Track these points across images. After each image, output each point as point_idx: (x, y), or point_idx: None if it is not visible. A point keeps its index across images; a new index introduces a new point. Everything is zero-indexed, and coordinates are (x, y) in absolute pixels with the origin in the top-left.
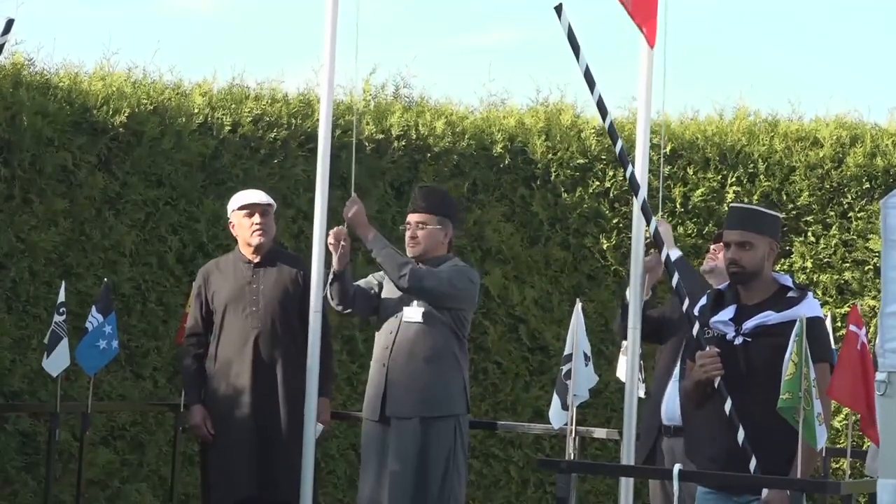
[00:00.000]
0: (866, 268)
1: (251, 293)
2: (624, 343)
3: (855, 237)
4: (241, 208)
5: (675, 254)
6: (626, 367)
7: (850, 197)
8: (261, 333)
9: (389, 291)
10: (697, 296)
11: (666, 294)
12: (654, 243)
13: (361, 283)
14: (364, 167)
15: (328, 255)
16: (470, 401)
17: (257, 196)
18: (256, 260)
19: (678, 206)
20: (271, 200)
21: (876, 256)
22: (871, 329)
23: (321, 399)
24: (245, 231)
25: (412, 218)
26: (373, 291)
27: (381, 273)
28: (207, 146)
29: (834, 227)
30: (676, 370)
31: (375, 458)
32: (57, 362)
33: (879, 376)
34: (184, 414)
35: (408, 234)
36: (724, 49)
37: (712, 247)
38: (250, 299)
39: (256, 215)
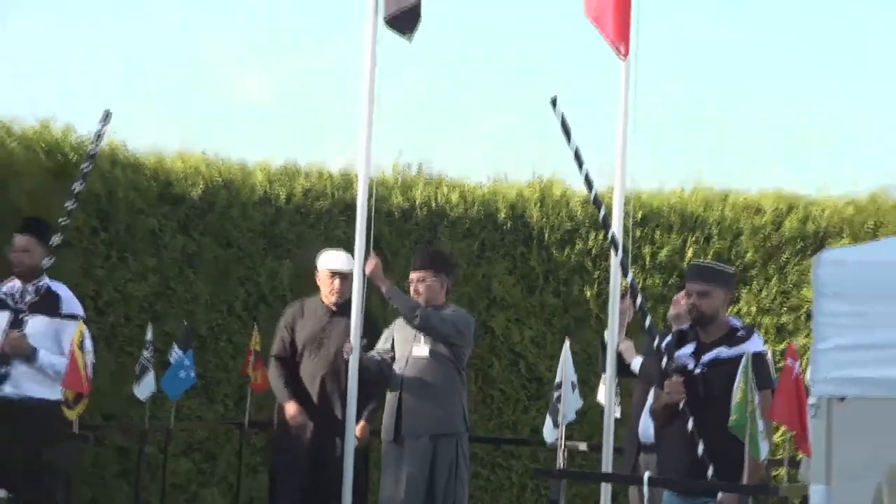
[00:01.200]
0: (800, 312)
1: (325, 337)
2: (603, 374)
3: (790, 287)
4: (328, 269)
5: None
6: (605, 393)
7: (786, 255)
8: (327, 374)
9: (399, 337)
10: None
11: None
12: (630, 293)
13: (379, 352)
14: (394, 230)
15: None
16: (469, 421)
17: (342, 263)
18: (334, 309)
19: (647, 262)
20: (352, 266)
21: (808, 303)
22: (804, 362)
23: (363, 424)
24: (326, 288)
25: (413, 276)
26: (389, 356)
27: (387, 334)
28: (267, 214)
29: (773, 280)
30: (650, 398)
31: (392, 467)
32: (145, 389)
33: (811, 401)
34: (286, 408)
35: (411, 288)
36: (686, 129)
37: (676, 297)
38: (323, 343)
39: (338, 280)
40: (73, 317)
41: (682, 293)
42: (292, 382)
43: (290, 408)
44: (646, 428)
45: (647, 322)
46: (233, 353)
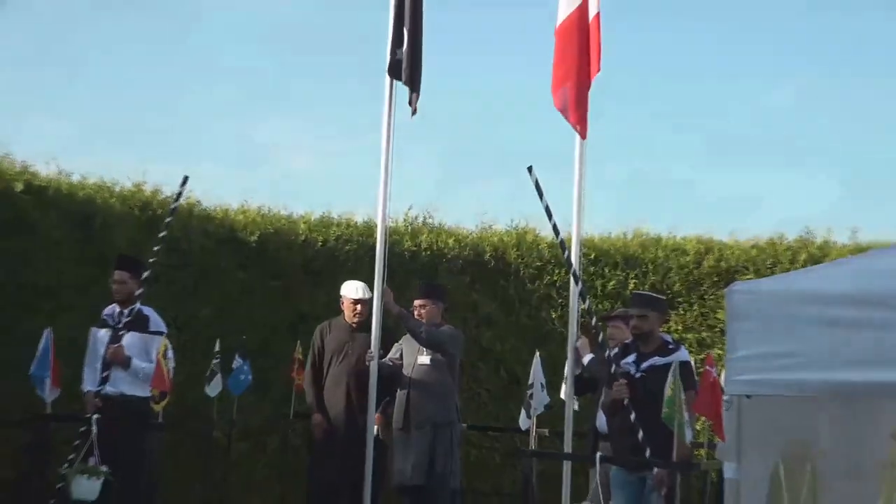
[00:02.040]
0: (716, 330)
1: (347, 349)
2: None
3: (708, 311)
4: (351, 298)
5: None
6: (566, 391)
7: (705, 286)
8: (350, 377)
9: (407, 348)
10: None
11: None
12: (586, 330)
13: (391, 359)
14: (404, 268)
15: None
16: (460, 413)
17: (361, 293)
18: (354, 327)
19: (598, 291)
20: (370, 294)
21: (722, 323)
22: (719, 368)
23: (379, 415)
24: (349, 312)
25: (417, 303)
26: (399, 363)
27: (397, 347)
28: (307, 255)
29: (695, 305)
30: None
31: (402, 449)
32: (214, 389)
33: (725, 398)
34: (314, 415)
35: (416, 312)
36: (629, 188)
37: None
38: (346, 353)
39: (358, 306)
40: (159, 333)
41: (616, 321)
42: (320, 388)
43: (316, 417)
44: (602, 421)
45: (600, 338)
46: (280, 362)
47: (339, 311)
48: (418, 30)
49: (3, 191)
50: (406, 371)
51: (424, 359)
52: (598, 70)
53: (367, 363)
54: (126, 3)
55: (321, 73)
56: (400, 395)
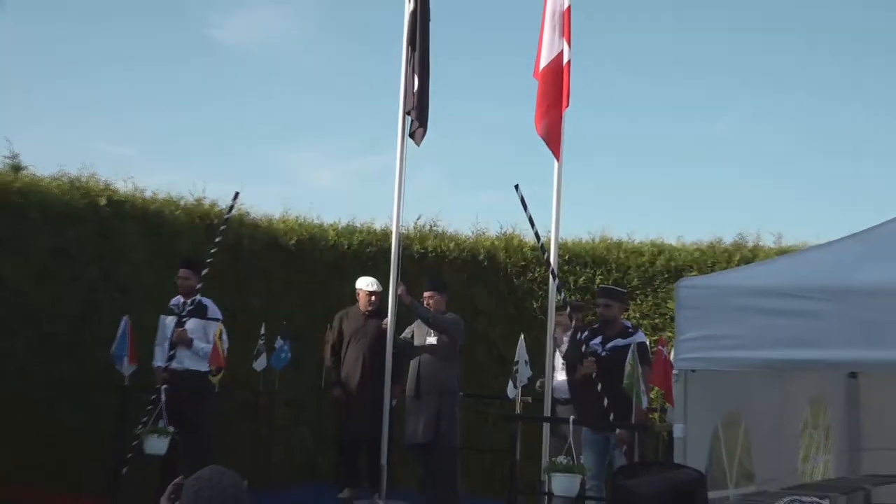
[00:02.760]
0: (667, 317)
1: (362, 332)
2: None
3: (661, 301)
4: (366, 290)
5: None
6: (547, 368)
7: (658, 282)
8: (366, 354)
9: (417, 331)
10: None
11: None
12: (570, 308)
13: (404, 336)
14: (414, 267)
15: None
16: (460, 384)
17: (374, 286)
18: (367, 314)
19: (572, 286)
20: (380, 287)
21: (671, 311)
22: (670, 348)
23: (396, 384)
24: (364, 302)
25: (426, 294)
26: (410, 337)
27: (409, 329)
28: (335, 257)
29: (650, 297)
30: (561, 372)
31: (413, 413)
32: (260, 364)
33: (675, 372)
34: (333, 390)
35: (425, 302)
36: (596, 200)
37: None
38: (362, 335)
39: (372, 297)
40: (215, 319)
41: (565, 312)
42: (339, 367)
43: (335, 391)
44: (559, 388)
45: (573, 324)
46: (313, 343)
47: (356, 302)
48: (426, 75)
49: (89, 204)
50: (417, 352)
51: (432, 339)
52: (568, 105)
53: (383, 327)
54: (179, 51)
55: (348, 109)
56: (411, 369)
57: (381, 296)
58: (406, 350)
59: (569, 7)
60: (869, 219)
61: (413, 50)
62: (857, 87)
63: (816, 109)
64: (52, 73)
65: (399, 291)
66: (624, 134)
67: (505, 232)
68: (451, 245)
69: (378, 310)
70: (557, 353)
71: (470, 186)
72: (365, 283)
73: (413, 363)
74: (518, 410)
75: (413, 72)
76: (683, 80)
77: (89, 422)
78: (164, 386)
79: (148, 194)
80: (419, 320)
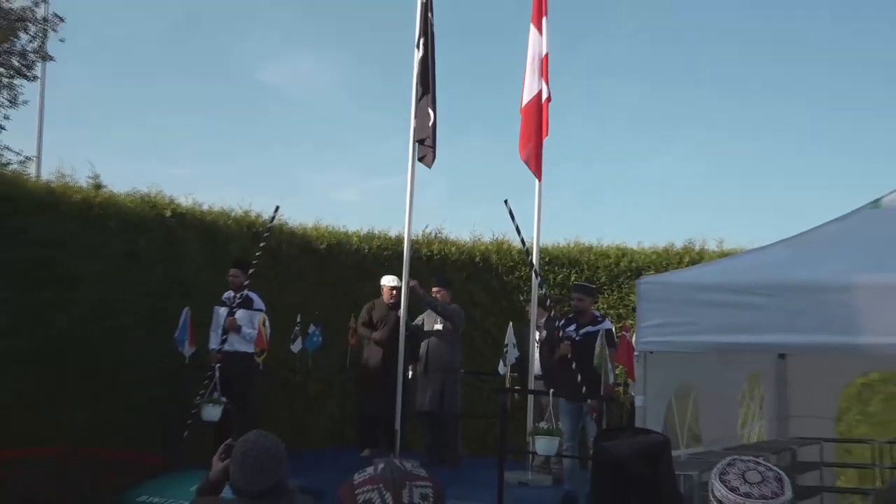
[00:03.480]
0: (629, 308)
1: (385, 320)
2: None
3: (624, 295)
4: (389, 285)
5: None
6: (532, 353)
7: (621, 279)
8: (389, 338)
9: (427, 319)
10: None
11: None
12: (546, 298)
13: (416, 323)
14: (423, 267)
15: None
16: (461, 363)
17: (395, 282)
18: (390, 305)
19: (551, 282)
20: (399, 283)
21: (633, 304)
22: (631, 333)
23: (411, 364)
24: (387, 296)
25: (434, 289)
26: (421, 323)
27: (420, 317)
28: (358, 259)
29: (615, 292)
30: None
31: (422, 387)
32: (296, 347)
33: (636, 353)
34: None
35: (433, 295)
36: (570, 210)
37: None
38: (385, 322)
39: (394, 291)
40: (260, 310)
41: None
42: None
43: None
44: (536, 367)
45: (551, 313)
46: (340, 330)
47: (380, 295)
48: (433, 107)
49: (157, 216)
50: (426, 336)
51: (438, 326)
52: (547, 135)
53: (410, 285)
54: (231, 91)
55: (369, 138)
56: (421, 349)
57: (400, 290)
58: (417, 333)
59: (546, 54)
60: (795, 227)
61: (426, 91)
62: (780, 125)
63: (746, 145)
64: (125, 108)
65: (412, 284)
66: (597, 158)
67: (496, 238)
68: (453, 249)
69: (397, 302)
70: (540, 338)
71: (468, 201)
72: (387, 280)
73: (423, 345)
74: (507, 384)
75: (429, 107)
76: (628, 129)
77: (157, 394)
78: (218, 364)
79: (205, 207)
80: (429, 309)
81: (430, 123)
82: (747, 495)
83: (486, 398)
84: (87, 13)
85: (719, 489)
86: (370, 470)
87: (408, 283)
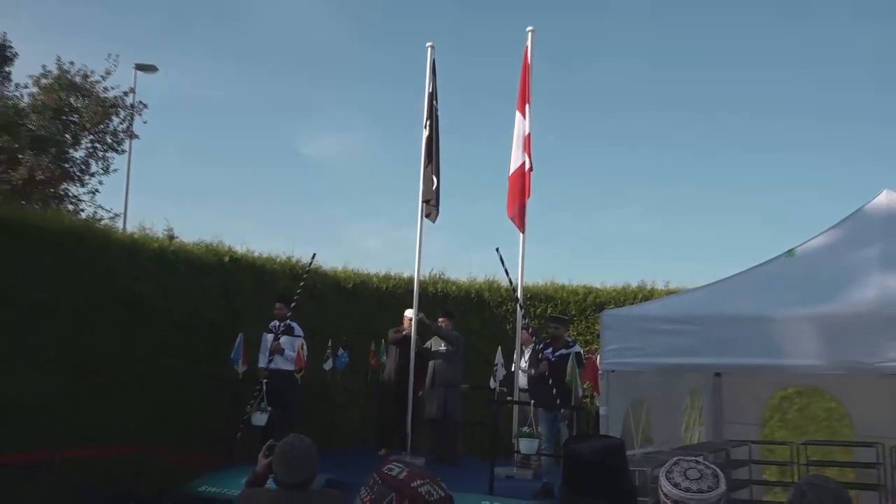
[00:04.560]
0: (595, 335)
1: (404, 342)
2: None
3: (590, 325)
4: (408, 316)
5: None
6: (516, 370)
7: (588, 312)
8: (404, 357)
9: (434, 343)
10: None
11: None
12: (527, 328)
13: (426, 345)
14: (428, 302)
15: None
16: (462, 378)
17: (412, 315)
18: (406, 333)
19: (532, 314)
20: (413, 315)
21: (597, 331)
22: (596, 356)
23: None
24: (406, 324)
25: (440, 319)
26: (429, 346)
27: (429, 342)
28: (378, 296)
29: (584, 322)
30: (523, 374)
31: (429, 397)
32: (328, 366)
33: (601, 372)
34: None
35: (439, 323)
36: (548, 254)
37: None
38: (402, 344)
39: (411, 321)
40: (300, 336)
41: (526, 331)
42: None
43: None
44: (522, 382)
45: (532, 338)
46: (364, 353)
47: (400, 324)
48: (437, 174)
49: (218, 261)
50: (432, 355)
51: (443, 349)
52: (529, 197)
53: (420, 319)
54: (275, 158)
55: (387, 198)
56: (429, 368)
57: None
58: (426, 355)
59: (529, 134)
60: (727, 270)
61: (430, 161)
62: (716, 180)
63: (690, 202)
64: (198, 173)
65: (419, 316)
66: (567, 210)
67: (488, 279)
68: (453, 287)
69: (411, 331)
70: (523, 358)
71: (465, 249)
72: (408, 313)
73: (430, 364)
74: (496, 397)
75: (433, 174)
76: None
77: (216, 403)
78: (265, 380)
79: (255, 254)
80: (436, 336)
81: (434, 188)
82: (687, 490)
83: (482, 407)
84: (165, 102)
85: (665, 485)
86: (399, 466)
87: (416, 314)
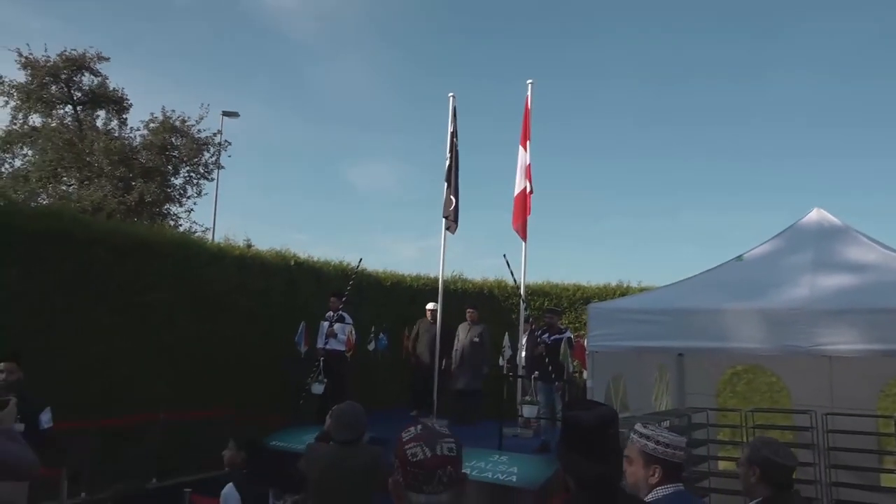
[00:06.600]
0: (583, 323)
1: (429, 331)
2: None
3: (578, 315)
4: (430, 308)
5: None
6: (520, 351)
7: (577, 305)
8: (429, 343)
9: (462, 330)
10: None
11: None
12: (528, 319)
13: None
14: (452, 298)
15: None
16: (487, 362)
17: (434, 306)
18: (431, 322)
19: (532, 307)
20: (437, 307)
21: (585, 320)
22: (584, 339)
23: (445, 357)
24: (429, 315)
25: (468, 310)
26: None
27: (459, 330)
28: (411, 293)
29: (573, 312)
30: (523, 356)
31: (458, 374)
32: (371, 347)
33: (587, 353)
34: (411, 359)
35: (469, 314)
36: (547, 257)
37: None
38: (429, 335)
39: (434, 313)
40: (349, 324)
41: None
42: (415, 352)
43: (412, 360)
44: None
45: (532, 326)
46: (400, 336)
47: (423, 316)
48: (457, 196)
49: (284, 264)
50: (462, 341)
51: (477, 339)
52: (529, 213)
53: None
54: (326, 186)
55: (420, 216)
56: (459, 351)
57: (435, 311)
58: (453, 336)
59: (529, 164)
60: (688, 271)
61: (450, 185)
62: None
63: (660, 219)
64: (267, 194)
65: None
66: (561, 216)
67: (497, 279)
68: (470, 285)
69: (435, 320)
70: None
71: (479, 255)
72: (430, 305)
73: (461, 347)
74: (504, 372)
75: (452, 195)
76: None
77: (283, 377)
78: (322, 357)
79: (315, 259)
80: (465, 322)
81: (453, 207)
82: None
83: (495, 381)
84: (246, 140)
85: (662, 437)
86: (413, 430)
87: (440, 306)
